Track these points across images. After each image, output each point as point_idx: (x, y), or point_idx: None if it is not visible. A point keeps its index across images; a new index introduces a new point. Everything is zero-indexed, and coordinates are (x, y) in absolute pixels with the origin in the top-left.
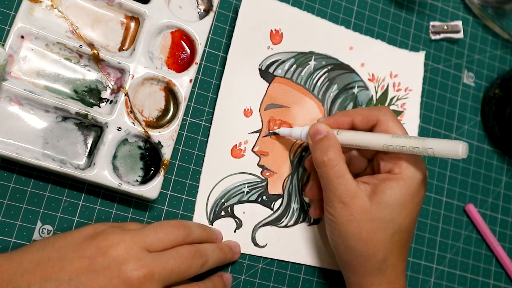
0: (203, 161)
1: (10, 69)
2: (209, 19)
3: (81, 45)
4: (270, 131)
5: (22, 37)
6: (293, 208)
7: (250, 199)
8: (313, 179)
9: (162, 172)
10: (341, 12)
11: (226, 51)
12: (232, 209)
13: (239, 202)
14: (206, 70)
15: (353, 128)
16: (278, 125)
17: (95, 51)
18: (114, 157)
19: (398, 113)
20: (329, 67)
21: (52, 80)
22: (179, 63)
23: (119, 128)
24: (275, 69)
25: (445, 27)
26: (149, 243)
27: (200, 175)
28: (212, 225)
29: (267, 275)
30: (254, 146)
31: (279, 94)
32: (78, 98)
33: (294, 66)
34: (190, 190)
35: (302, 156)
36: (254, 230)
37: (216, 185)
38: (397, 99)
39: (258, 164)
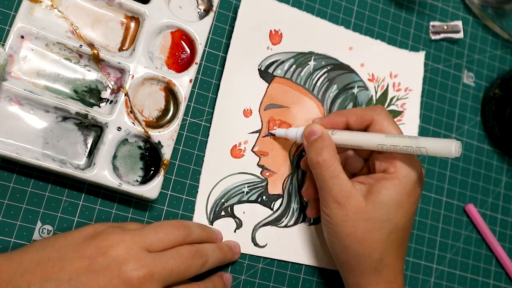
0: (203, 161)
1: (10, 69)
2: (209, 19)
3: (81, 45)
4: (270, 131)
5: (22, 37)
6: (293, 208)
7: (250, 199)
8: (309, 179)
9: (162, 172)
10: (341, 12)
11: (226, 51)
12: (232, 209)
13: (239, 202)
14: (206, 70)
15: (348, 128)
16: (277, 125)
17: (95, 51)
18: (114, 157)
19: (398, 113)
20: (328, 67)
21: (52, 80)
22: (179, 63)
23: (119, 128)
24: (274, 69)
25: (445, 27)
26: (149, 243)
27: (200, 175)
28: (212, 225)
29: (267, 275)
30: (254, 146)
31: (278, 94)
32: (78, 98)
33: (294, 66)
34: (190, 190)
35: (302, 156)
36: (254, 230)
37: (216, 185)
38: (397, 99)
39: (258, 164)
